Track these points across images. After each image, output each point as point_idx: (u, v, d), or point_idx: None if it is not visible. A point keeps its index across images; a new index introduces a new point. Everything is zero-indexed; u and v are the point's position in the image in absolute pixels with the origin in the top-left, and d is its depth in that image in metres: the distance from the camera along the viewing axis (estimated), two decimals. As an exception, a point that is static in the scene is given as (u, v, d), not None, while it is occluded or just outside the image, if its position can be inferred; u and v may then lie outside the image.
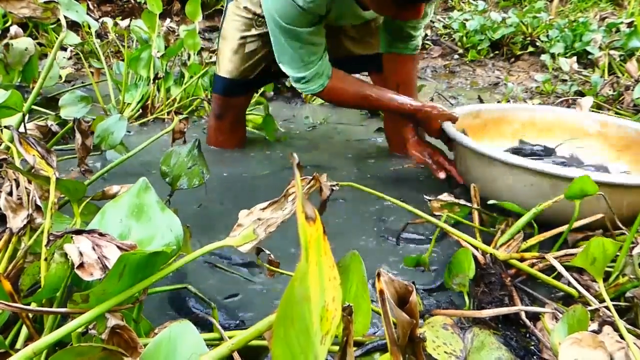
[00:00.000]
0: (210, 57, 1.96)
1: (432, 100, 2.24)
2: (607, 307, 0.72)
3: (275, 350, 0.20)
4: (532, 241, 0.98)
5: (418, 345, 0.36)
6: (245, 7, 1.47)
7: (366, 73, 1.73)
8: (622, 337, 0.65)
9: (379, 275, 0.37)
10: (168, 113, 1.81)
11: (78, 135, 0.88)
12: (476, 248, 0.93)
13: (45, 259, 0.65)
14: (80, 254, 0.57)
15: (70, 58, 2.17)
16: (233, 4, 1.50)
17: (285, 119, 2.02)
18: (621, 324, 0.66)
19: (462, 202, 1.01)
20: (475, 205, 1.10)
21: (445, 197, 1.02)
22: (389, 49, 1.53)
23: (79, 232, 0.60)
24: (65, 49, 2.12)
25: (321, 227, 0.27)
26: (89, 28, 1.97)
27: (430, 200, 1.04)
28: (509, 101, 2.40)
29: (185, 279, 0.97)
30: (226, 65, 1.53)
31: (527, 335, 0.81)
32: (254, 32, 1.49)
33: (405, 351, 0.36)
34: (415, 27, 1.48)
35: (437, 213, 1.03)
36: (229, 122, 1.61)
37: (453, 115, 1.33)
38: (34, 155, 0.69)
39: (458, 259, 0.91)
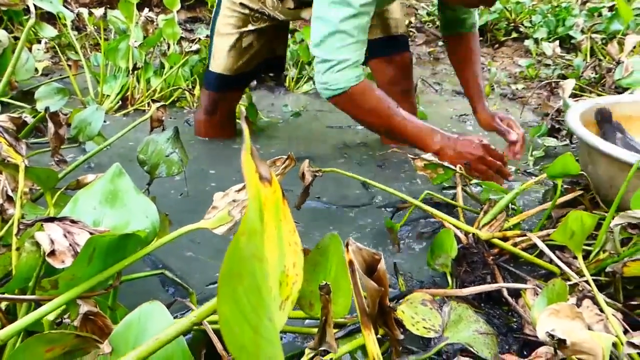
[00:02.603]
0: (190, 47, 1.94)
1: (415, 87, 2.22)
2: (586, 282, 0.72)
3: (222, 307, 0.19)
4: (514, 220, 0.99)
5: (389, 315, 0.36)
6: (241, 3, 1.44)
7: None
8: (601, 310, 0.65)
9: (347, 245, 0.36)
10: (149, 104, 1.79)
11: (50, 125, 0.86)
12: (459, 229, 0.93)
13: (17, 249, 0.64)
14: (52, 241, 0.56)
15: (47, 51, 2.13)
16: None
17: (269, 109, 2.00)
18: (600, 296, 0.66)
19: (445, 164, 1.01)
20: (459, 187, 1.09)
21: (429, 157, 1.01)
22: (446, 32, 1.52)
23: (49, 220, 0.59)
24: (40, 42, 2.08)
25: (279, 189, 0.26)
26: (66, 20, 1.93)
27: (414, 158, 1.03)
28: (492, 87, 2.41)
29: (168, 267, 0.96)
30: (222, 61, 1.50)
31: (510, 313, 0.81)
32: (250, 27, 1.46)
33: (377, 323, 0.35)
34: (470, 10, 1.46)
35: (420, 172, 1.02)
36: (221, 117, 1.58)
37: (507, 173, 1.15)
38: (1, 143, 0.68)
39: (440, 239, 0.91)
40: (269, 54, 1.55)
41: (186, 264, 0.98)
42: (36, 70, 1.90)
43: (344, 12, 1.10)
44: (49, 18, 2.44)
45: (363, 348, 0.60)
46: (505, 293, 0.75)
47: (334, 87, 1.16)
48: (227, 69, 1.50)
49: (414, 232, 1.08)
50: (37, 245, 0.60)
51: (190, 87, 1.94)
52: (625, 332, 0.66)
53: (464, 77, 1.51)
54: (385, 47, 1.55)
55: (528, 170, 1.42)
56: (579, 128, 1.08)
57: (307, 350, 0.48)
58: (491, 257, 0.89)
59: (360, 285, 0.34)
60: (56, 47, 2.01)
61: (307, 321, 0.77)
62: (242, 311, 0.19)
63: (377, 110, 1.18)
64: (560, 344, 0.51)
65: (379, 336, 0.48)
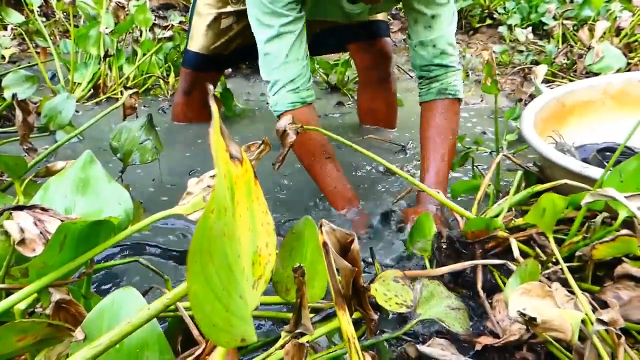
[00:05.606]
0: (163, 34, 1.90)
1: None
2: (558, 263, 0.73)
3: (193, 286, 0.19)
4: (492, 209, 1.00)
5: (363, 295, 0.36)
6: None
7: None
8: (571, 292, 0.67)
9: (321, 226, 0.36)
10: (121, 92, 1.75)
11: (19, 112, 0.84)
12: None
13: (-14, 239, 0.62)
14: (21, 230, 0.54)
15: (14, 38, 2.07)
16: None
17: (245, 96, 1.98)
18: (570, 276, 0.68)
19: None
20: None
21: None
22: (420, 98, 1.22)
23: (19, 208, 0.58)
24: (6, 28, 2.02)
25: (251, 170, 0.26)
26: (33, 6, 1.87)
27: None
28: (467, 73, 2.43)
29: (147, 255, 0.95)
30: (200, 40, 1.49)
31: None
32: (229, 8, 1.46)
33: (351, 303, 0.36)
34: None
35: None
36: (199, 97, 1.57)
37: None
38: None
39: (420, 223, 0.91)
40: (250, 39, 1.53)
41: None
42: (2, 57, 1.84)
43: (266, 34, 1.07)
44: (15, 3, 2.36)
45: (340, 331, 0.61)
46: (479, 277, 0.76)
47: (275, 110, 1.11)
48: (204, 48, 1.50)
49: (392, 220, 1.09)
50: (7, 234, 0.59)
51: (164, 74, 1.90)
52: (594, 310, 0.68)
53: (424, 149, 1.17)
54: (365, 32, 1.53)
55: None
56: (533, 137, 1.09)
57: (283, 334, 0.48)
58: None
59: (335, 266, 0.35)
60: (23, 33, 1.95)
61: (285, 309, 0.77)
62: (212, 289, 0.19)
63: (309, 146, 1.09)
64: (531, 321, 0.53)
65: (354, 317, 0.49)
